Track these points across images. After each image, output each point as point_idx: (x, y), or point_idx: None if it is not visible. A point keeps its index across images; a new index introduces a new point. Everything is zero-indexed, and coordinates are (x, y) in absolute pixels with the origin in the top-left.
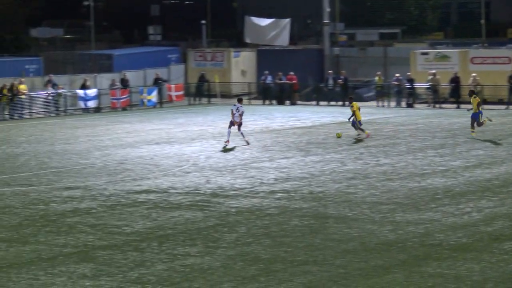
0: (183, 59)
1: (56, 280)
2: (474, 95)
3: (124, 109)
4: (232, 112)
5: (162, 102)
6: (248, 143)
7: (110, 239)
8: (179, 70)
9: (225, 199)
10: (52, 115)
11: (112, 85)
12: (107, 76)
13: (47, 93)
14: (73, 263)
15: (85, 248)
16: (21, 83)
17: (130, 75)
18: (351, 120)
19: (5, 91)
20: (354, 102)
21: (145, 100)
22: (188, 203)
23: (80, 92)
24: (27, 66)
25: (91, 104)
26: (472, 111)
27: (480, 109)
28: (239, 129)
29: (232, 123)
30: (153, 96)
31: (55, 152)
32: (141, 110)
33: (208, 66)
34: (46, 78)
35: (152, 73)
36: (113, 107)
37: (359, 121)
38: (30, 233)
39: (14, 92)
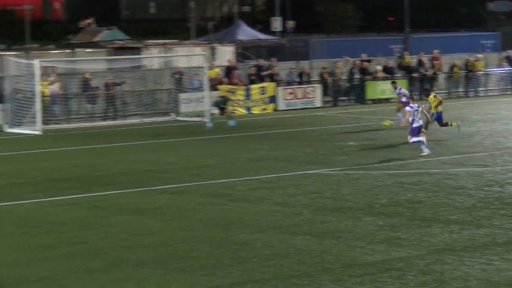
0: None
1: (511, 266)
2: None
3: None
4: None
5: None
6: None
7: None
8: None
9: None
10: (508, 92)
11: None
12: None
13: (503, 69)
14: None
15: None
16: (477, 59)
17: None
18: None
19: (456, 69)
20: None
21: None
22: None
23: None
24: (482, 42)
25: None
26: None
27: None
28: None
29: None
30: None
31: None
32: None
33: None
34: (503, 54)
35: None
36: None
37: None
38: (483, 215)
39: (468, 68)
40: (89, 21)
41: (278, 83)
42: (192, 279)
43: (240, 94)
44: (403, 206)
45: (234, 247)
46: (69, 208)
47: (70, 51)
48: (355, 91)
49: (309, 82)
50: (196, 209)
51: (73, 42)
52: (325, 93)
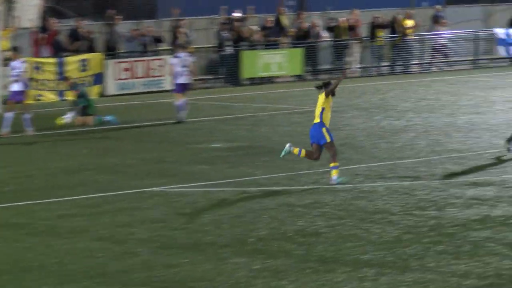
0: None
1: None
2: None
3: None
4: None
5: None
6: None
7: None
8: None
9: None
10: (454, 68)
11: None
12: None
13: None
14: None
15: (499, 280)
16: (408, 17)
17: None
18: None
19: (380, 33)
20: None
21: None
22: None
23: (500, 32)
24: None
25: None
26: None
27: None
28: None
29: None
30: None
31: (457, 126)
32: None
33: None
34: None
35: None
36: None
37: None
38: (412, 253)
39: (397, 30)
40: None
41: (109, 54)
42: None
43: (49, 71)
44: (292, 240)
45: None
46: None
47: None
48: (226, 66)
49: (156, 53)
50: None
51: None
52: None
